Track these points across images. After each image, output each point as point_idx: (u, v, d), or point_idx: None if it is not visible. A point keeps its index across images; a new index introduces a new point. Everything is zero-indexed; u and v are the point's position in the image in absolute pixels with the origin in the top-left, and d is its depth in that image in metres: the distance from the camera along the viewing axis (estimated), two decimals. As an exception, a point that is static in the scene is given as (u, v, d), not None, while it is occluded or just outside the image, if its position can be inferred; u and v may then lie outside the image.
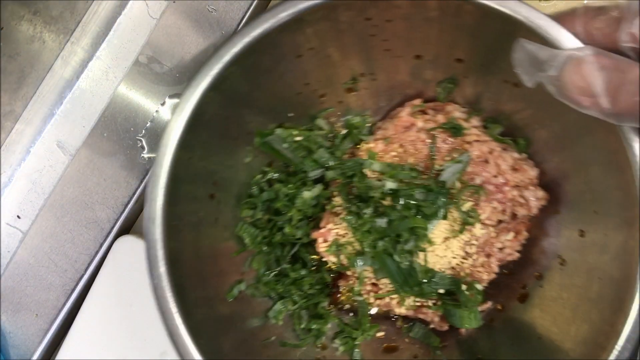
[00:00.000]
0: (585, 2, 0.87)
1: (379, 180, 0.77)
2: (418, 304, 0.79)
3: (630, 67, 0.54)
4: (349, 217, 0.76)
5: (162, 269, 0.66)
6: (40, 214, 0.88)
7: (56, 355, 0.86)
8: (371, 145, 0.80)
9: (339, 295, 0.85)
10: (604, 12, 0.59)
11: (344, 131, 0.87)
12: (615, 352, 0.63)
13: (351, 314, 0.85)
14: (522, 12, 0.64)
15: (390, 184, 0.75)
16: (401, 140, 0.79)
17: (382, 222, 0.74)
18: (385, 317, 0.85)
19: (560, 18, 0.62)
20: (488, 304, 0.82)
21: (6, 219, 0.88)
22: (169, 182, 0.67)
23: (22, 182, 0.89)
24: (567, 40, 0.62)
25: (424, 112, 0.83)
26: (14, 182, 0.89)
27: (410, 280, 0.75)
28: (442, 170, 0.77)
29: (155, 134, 0.90)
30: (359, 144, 0.84)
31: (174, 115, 0.66)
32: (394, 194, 0.76)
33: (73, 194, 0.89)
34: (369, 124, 0.87)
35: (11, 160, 0.89)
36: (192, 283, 0.72)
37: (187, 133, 0.67)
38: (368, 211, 0.74)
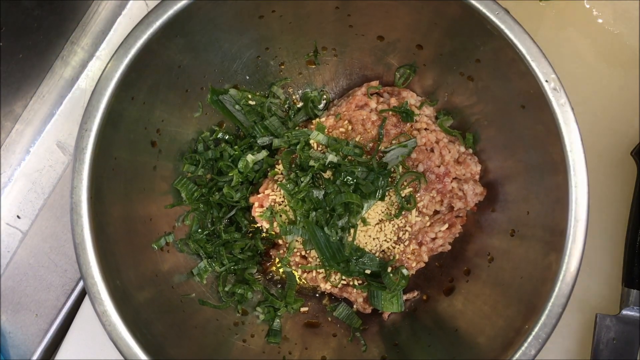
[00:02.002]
0: (585, 2, 0.88)
1: (323, 153, 0.77)
2: (344, 282, 0.79)
3: None
4: (286, 184, 0.75)
5: (84, 199, 0.64)
6: (40, 214, 0.88)
7: (56, 355, 0.85)
8: (322, 119, 0.80)
9: (269, 264, 0.84)
10: None
11: (300, 104, 0.87)
12: (522, 348, 0.64)
13: (279, 286, 0.84)
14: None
15: (332, 157, 0.75)
16: (351, 118, 0.79)
17: (318, 193, 0.74)
18: (312, 294, 0.85)
19: None
20: (415, 294, 0.82)
21: (6, 219, 0.88)
22: (106, 115, 0.66)
23: (22, 182, 0.89)
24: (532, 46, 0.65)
25: (379, 95, 0.83)
26: (14, 182, 0.89)
27: (338, 255, 0.74)
28: (387, 152, 0.77)
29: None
30: (314, 120, 0.83)
31: (119, 49, 0.65)
32: (335, 168, 0.75)
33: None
34: (325, 100, 0.87)
35: (11, 160, 0.89)
36: (117, 227, 0.70)
37: (131, 71, 0.66)
38: (305, 180, 0.74)
